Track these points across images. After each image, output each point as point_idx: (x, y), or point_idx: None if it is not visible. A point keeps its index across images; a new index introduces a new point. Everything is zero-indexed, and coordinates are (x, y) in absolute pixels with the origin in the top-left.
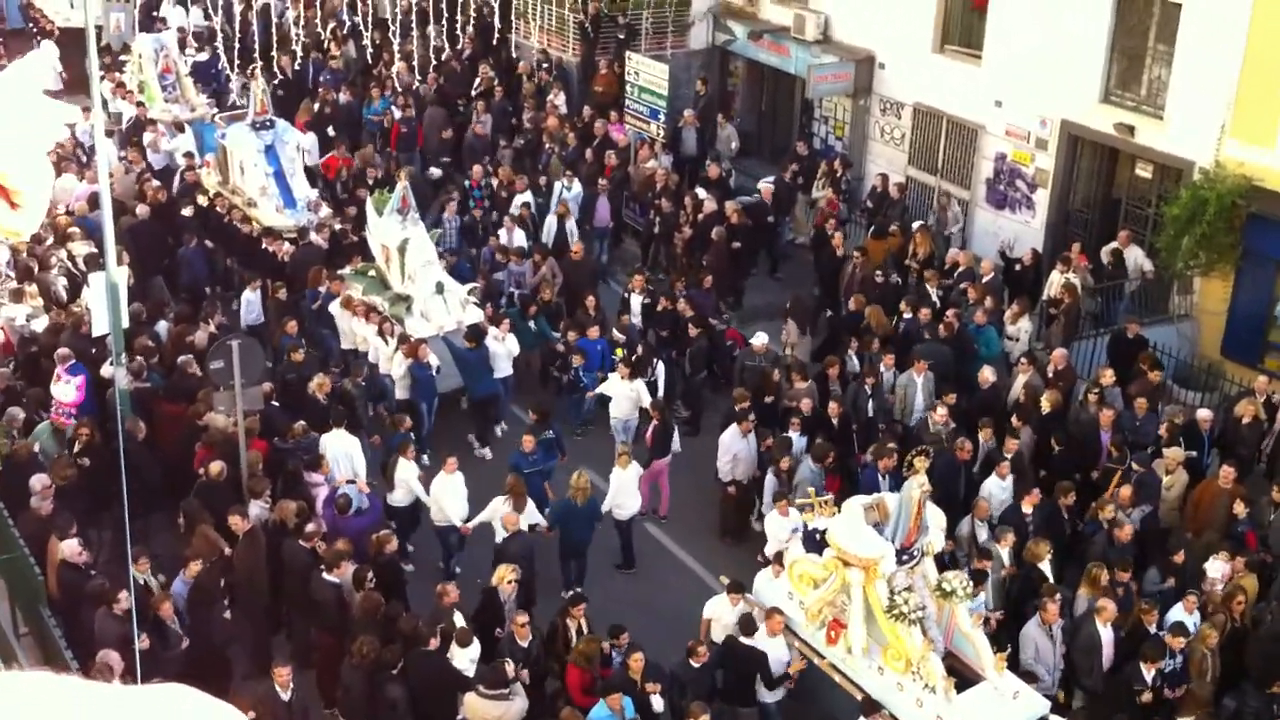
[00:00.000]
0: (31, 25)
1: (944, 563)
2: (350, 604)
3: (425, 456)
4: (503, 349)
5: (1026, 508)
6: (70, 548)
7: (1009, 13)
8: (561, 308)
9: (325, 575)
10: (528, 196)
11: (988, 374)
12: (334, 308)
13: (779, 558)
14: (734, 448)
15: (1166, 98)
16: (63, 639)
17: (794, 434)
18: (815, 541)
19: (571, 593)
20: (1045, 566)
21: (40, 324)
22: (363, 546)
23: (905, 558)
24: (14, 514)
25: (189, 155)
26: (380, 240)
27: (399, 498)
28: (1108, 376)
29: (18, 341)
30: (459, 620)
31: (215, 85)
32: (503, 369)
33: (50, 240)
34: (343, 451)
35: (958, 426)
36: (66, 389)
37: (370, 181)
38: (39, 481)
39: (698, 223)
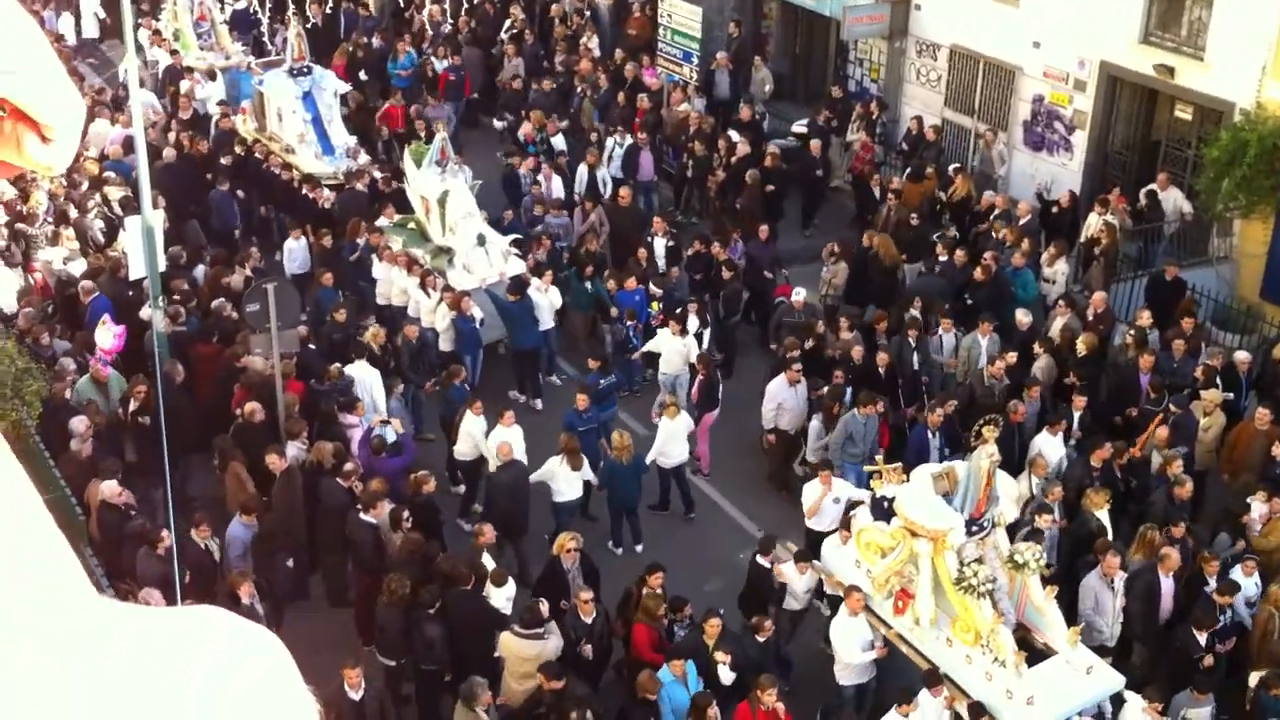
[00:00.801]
0: None
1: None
2: (387, 544)
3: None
4: (545, 300)
5: (1095, 462)
6: (110, 488)
7: None
8: (607, 258)
9: (362, 515)
10: (560, 141)
11: (1023, 317)
12: (378, 267)
13: (846, 524)
14: (780, 396)
15: (1207, 38)
16: (104, 579)
17: (833, 384)
18: (883, 509)
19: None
20: (1104, 517)
21: (77, 267)
22: (398, 486)
23: (975, 529)
24: (54, 456)
25: (222, 104)
26: (420, 192)
27: (464, 451)
28: (1144, 318)
29: (55, 284)
30: (489, 561)
31: (254, 33)
32: (546, 321)
33: (85, 185)
34: (364, 384)
35: (1010, 384)
36: (105, 335)
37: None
38: (80, 423)
39: (731, 166)
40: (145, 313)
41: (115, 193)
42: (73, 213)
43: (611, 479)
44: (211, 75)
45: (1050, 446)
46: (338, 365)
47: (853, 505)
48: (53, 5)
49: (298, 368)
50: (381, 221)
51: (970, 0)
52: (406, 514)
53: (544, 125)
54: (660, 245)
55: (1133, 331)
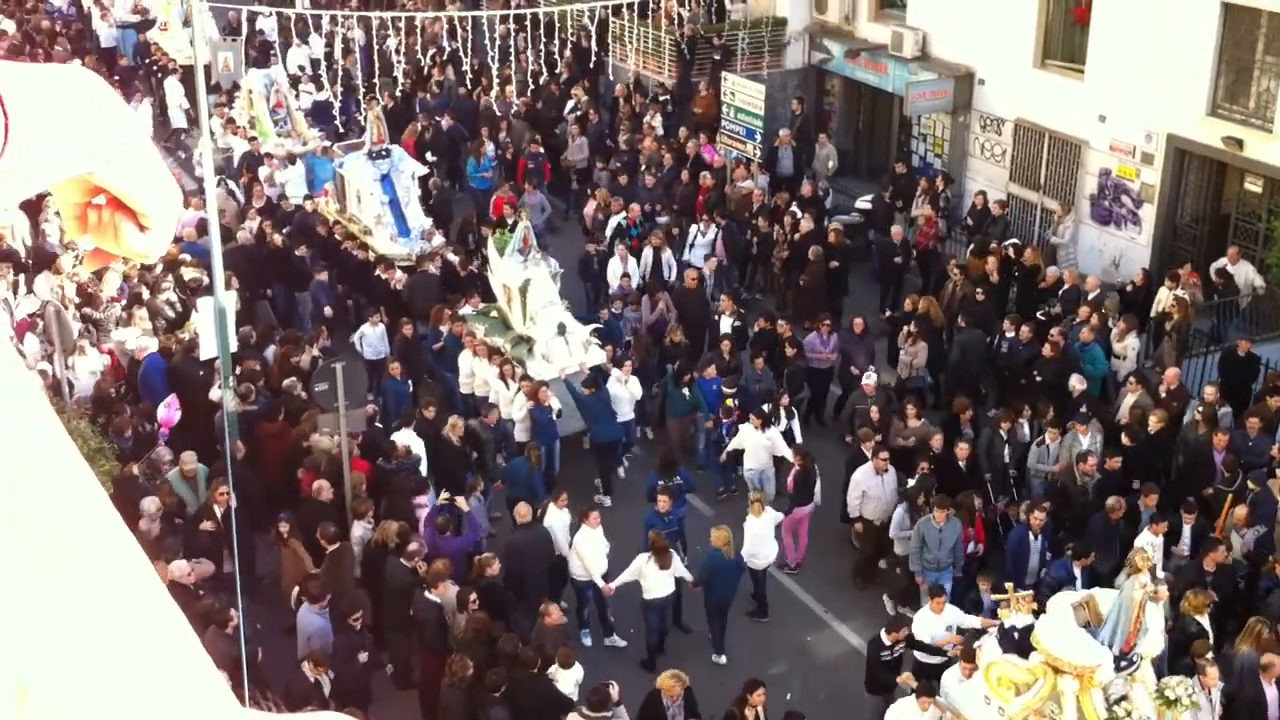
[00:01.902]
0: (151, 63)
1: None
2: (452, 625)
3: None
4: (625, 392)
5: (1209, 566)
6: (179, 568)
7: (1112, 26)
8: (690, 349)
9: (428, 594)
10: (624, 220)
11: (1076, 384)
12: (462, 356)
13: (969, 655)
14: (864, 484)
15: (1276, 110)
16: None
17: (919, 476)
18: (1012, 640)
19: (748, 679)
20: (1205, 620)
21: (150, 347)
22: (461, 566)
23: (1124, 664)
24: None
25: (283, 199)
26: (502, 280)
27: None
28: (1210, 393)
29: (128, 364)
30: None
31: (342, 118)
32: (625, 412)
33: (160, 266)
34: (403, 444)
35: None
36: (164, 410)
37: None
38: (151, 504)
39: (794, 242)
40: (215, 393)
41: (189, 274)
42: (146, 294)
43: (712, 574)
44: (290, 160)
45: (1152, 548)
46: (405, 444)
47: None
48: (136, 96)
49: (364, 447)
50: (465, 310)
51: (1035, 74)
52: (473, 595)
53: (608, 205)
54: (726, 324)
55: (1201, 408)
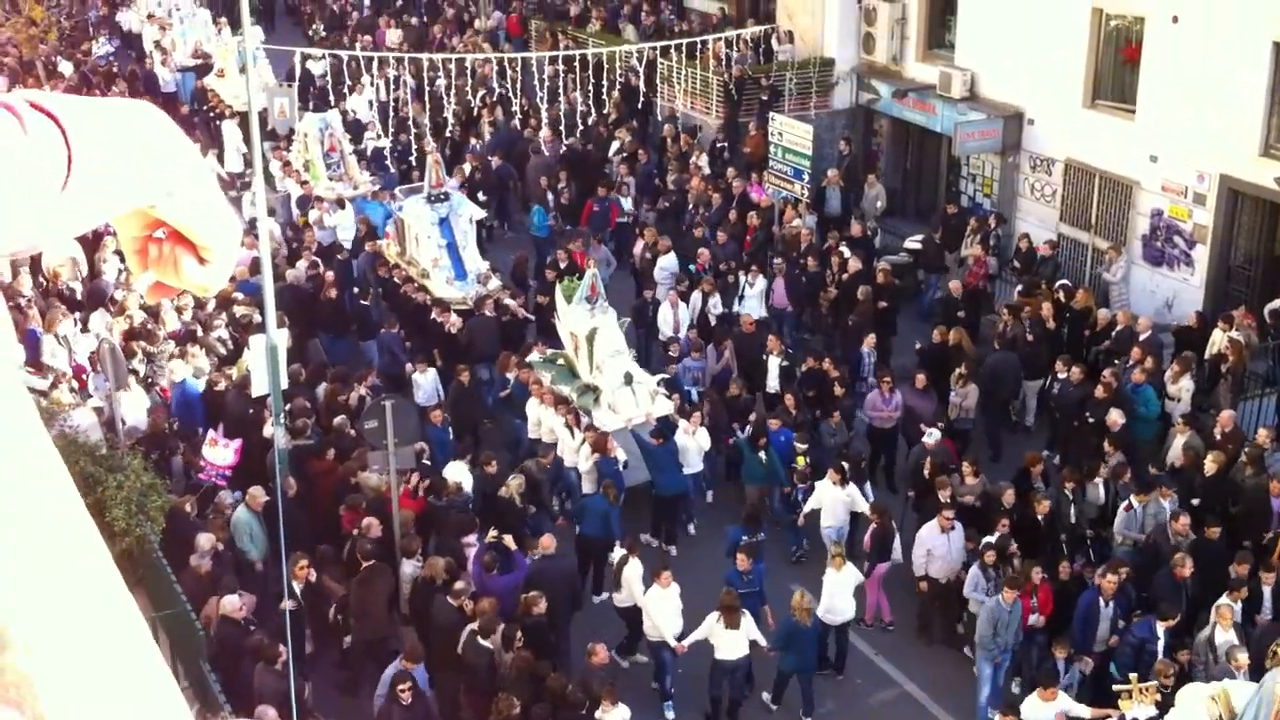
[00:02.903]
0: (208, 109)
1: (1185, 673)
2: (499, 664)
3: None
4: (693, 444)
5: None
6: (230, 603)
7: (1162, 66)
8: (753, 403)
9: (480, 641)
10: (672, 260)
11: (1115, 416)
12: (530, 404)
13: None
14: (929, 542)
15: None
16: (221, 694)
17: (999, 534)
18: None
19: None
20: None
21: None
22: (508, 605)
23: None
24: (176, 571)
25: (335, 244)
26: (569, 328)
27: (625, 598)
28: (1263, 437)
29: (176, 400)
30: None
31: (403, 166)
32: (693, 464)
33: (212, 304)
34: (454, 479)
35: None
36: (223, 453)
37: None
38: (206, 540)
39: (842, 282)
40: (269, 430)
41: (240, 311)
42: (200, 331)
43: (790, 641)
44: (340, 204)
45: (1232, 611)
46: (457, 481)
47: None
48: (199, 145)
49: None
50: (533, 357)
51: (1085, 114)
52: (519, 633)
53: (656, 244)
54: (775, 364)
55: (1248, 450)
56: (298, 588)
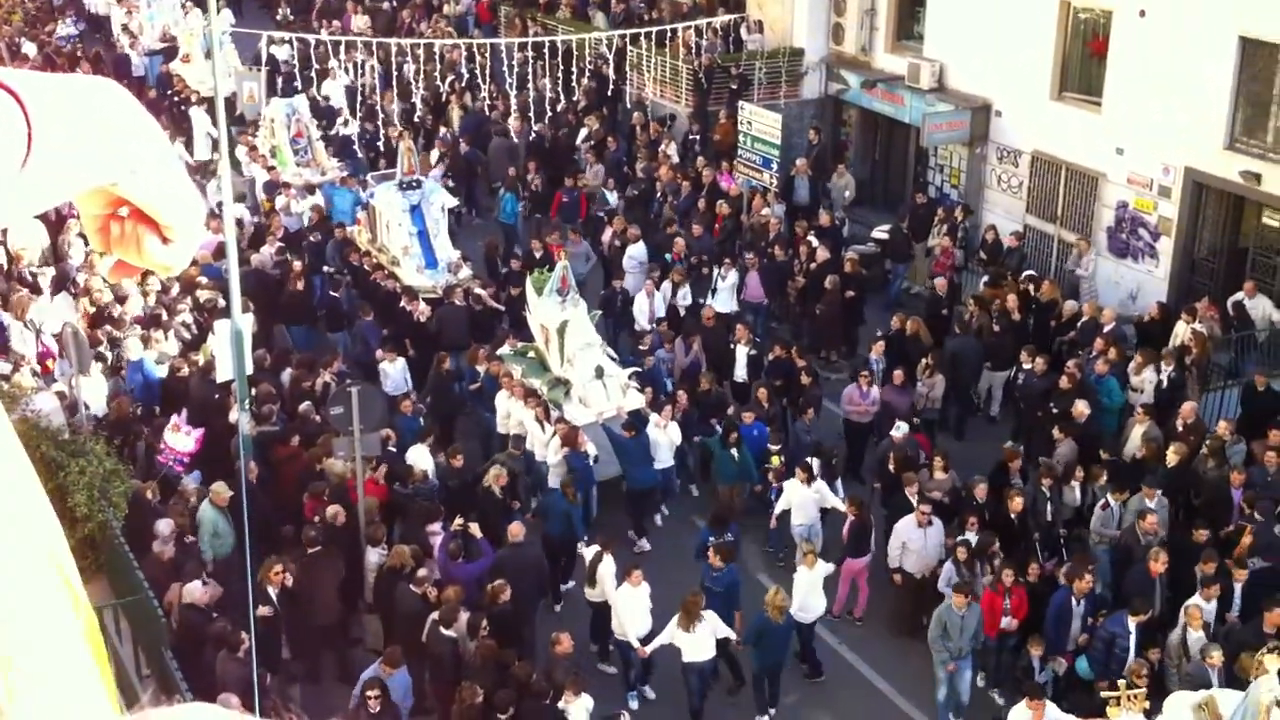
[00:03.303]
0: (174, 94)
1: (1153, 670)
2: (464, 652)
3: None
4: (664, 437)
5: (1269, 628)
6: (193, 590)
7: (1130, 59)
8: (725, 397)
9: (443, 630)
10: (641, 249)
11: (1081, 407)
12: (499, 397)
13: None
14: (905, 535)
15: None
16: (183, 681)
17: (971, 533)
18: None
19: None
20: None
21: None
22: (474, 593)
23: None
24: (138, 557)
25: (299, 232)
26: (539, 321)
27: (597, 594)
28: (1223, 428)
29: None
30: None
31: (373, 153)
32: (664, 459)
33: (176, 289)
34: (419, 465)
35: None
36: (185, 440)
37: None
38: (165, 525)
39: (810, 272)
40: (233, 416)
41: (205, 295)
42: (164, 315)
43: (760, 638)
44: (309, 190)
45: (1207, 606)
46: (422, 469)
47: None
48: (168, 133)
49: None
50: (503, 350)
51: (1052, 106)
52: (484, 623)
53: (625, 231)
54: (743, 354)
55: (1209, 442)
56: (273, 592)
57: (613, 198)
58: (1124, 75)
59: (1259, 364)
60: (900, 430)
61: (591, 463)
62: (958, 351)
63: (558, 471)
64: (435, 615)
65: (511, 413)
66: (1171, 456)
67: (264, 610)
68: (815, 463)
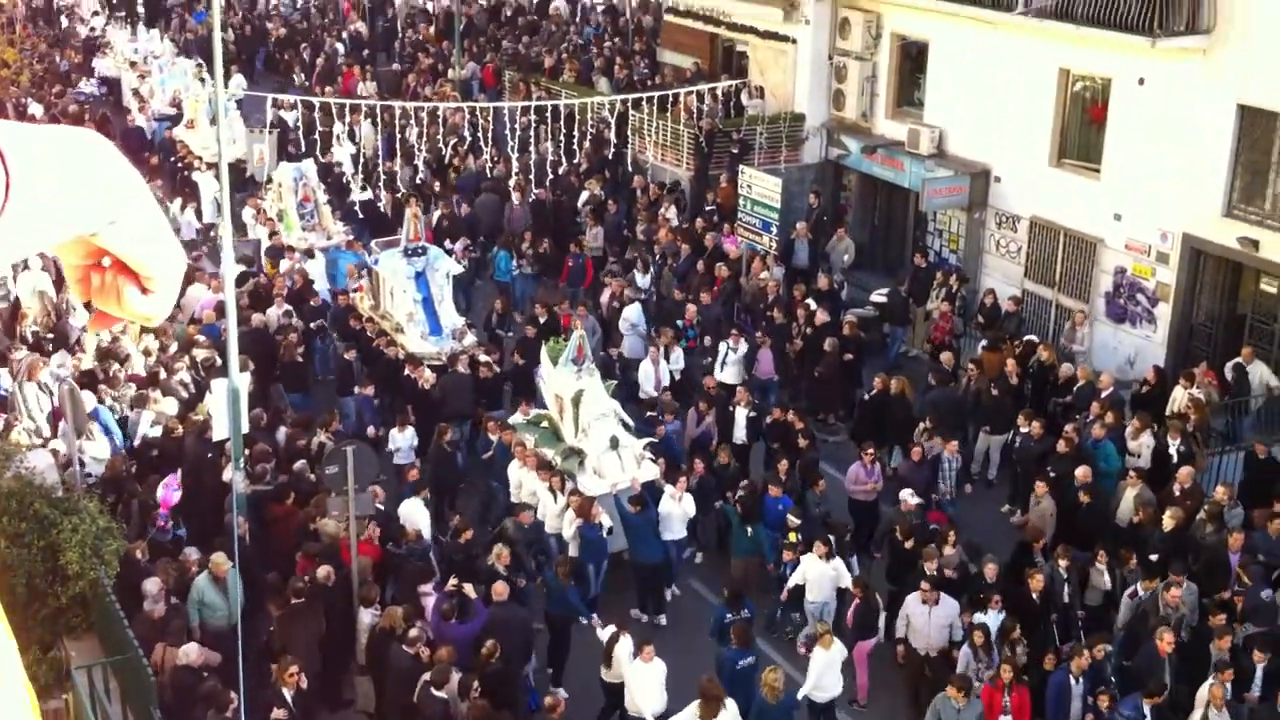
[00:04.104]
0: (176, 160)
1: None
2: (455, 714)
3: (589, 620)
4: (678, 509)
5: None
6: (191, 652)
7: (1128, 126)
8: (743, 470)
9: (434, 691)
10: (636, 311)
11: (1082, 475)
12: (511, 467)
13: None
14: (909, 610)
15: None
16: None
17: (993, 612)
18: None
19: None
20: None
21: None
22: (467, 655)
23: None
24: (129, 615)
25: (301, 293)
26: (554, 390)
27: (613, 675)
28: (1221, 493)
29: (141, 446)
30: None
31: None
32: (676, 530)
33: (175, 347)
34: (412, 520)
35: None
36: (166, 491)
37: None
38: (153, 584)
39: (809, 334)
40: (227, 474)
41: (202, 354)
42: (163, 374)
43: (759, 718)
44: (309, 254)
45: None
46: (416, 528)
47: None
48: (179, 199)
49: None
50: (515, 418)
51: (1050, 172)
52: (476, 684)
53: (623, 294)
54: (742, 415)
55: (1207, 507)
56: (288, 694)
57: (645, 280)
58: (1122, 142)
59: (1255, 430)
60: (912, 498)
61: (606, 534)
62: (937, 402)
63: (573, 545)
64: (427, 676)
65: (524, 483)
66: (1168, 521)
67: (279, 714)
68: (833, 538)
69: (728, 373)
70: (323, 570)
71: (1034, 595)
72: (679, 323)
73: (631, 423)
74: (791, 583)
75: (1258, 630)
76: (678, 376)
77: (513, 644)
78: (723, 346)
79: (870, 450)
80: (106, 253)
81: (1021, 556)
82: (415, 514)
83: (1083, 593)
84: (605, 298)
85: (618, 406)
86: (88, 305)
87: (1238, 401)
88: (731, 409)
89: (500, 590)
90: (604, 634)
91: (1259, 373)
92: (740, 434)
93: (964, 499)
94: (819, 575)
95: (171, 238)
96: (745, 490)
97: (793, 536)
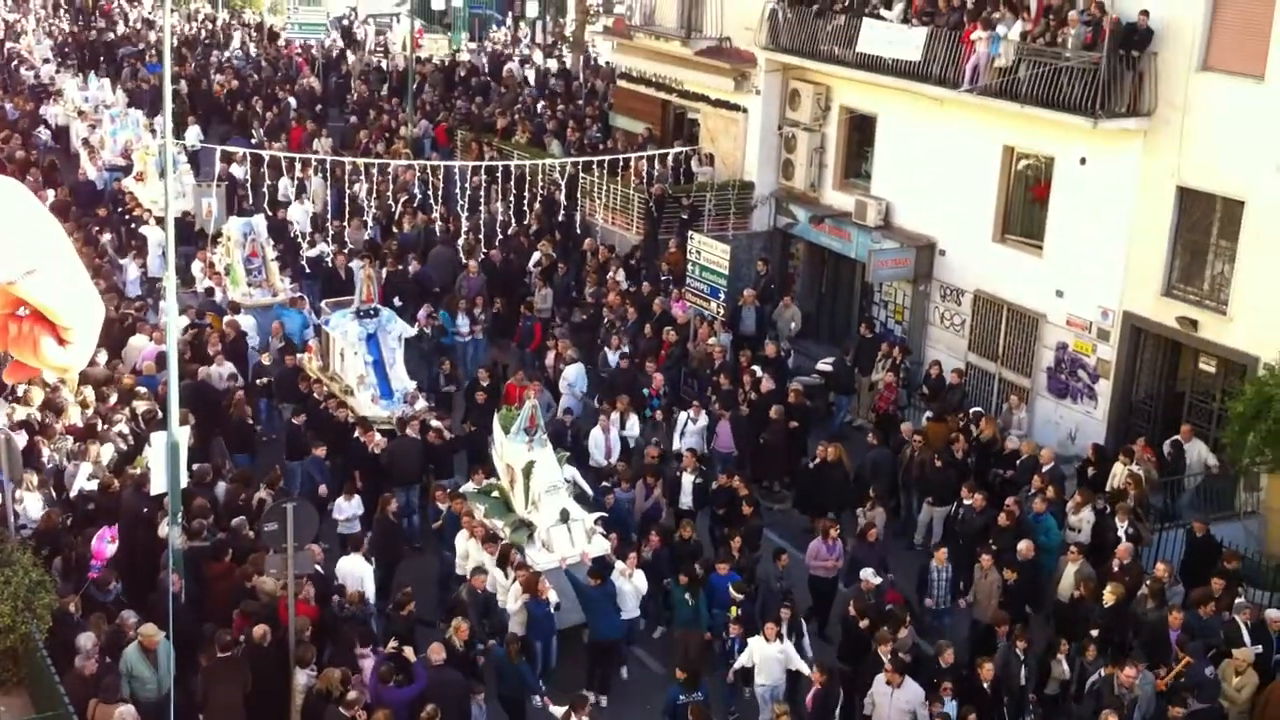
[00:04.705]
0: (124, 212)
1: None
2: None
3: (541, 699)
4: (630, 586)
5: None
6: (125, 715)
7: (1070, 204)
8: (700, 547)
9: None
10: (577, 371)
11: (1025, 549)
12: (459, 538)
13: None
14: (874, 691)
15: (1229, 293)
16: None
17: (947, 699)
18: None
19: None
20: None
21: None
22: (404, 718)
23: None
24: (60, 672)
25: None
26: (505, 460)
27: None
28: (1161, 570)
29: (78, 500)
30: None
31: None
32: (629, 608)
33: (114, 398)
34: (354, 577)
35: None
36: (99, 543)
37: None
38: (87, 640)
39: (754, 401)
40: (163, 530)
41: (142, 406)
42: (101, 426)
43: None
44: (234, 309)
45: None
46: (359, 591)
47: None
48: (131, 254)
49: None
50: (467, 487)
51: (994, 248)
52: None
53: (569, 355)
54: (689, 481)
55: (1149, 584)
56: None
57: (614, 357)
58: (1064, 220)
59: (1193, 508)
60: (874, 577)
61: (553, 610)
62: (875, 460)
63: (519, 620)
64: None
65: (470, 553)
66: (1109, 596)
67: None
68: (785, 618)
69: (687, 442)
70: (259, 629)
71: (984, 685)
72: (645, 391)
73: (590, 490)
74: (739, 664)
75: (1200, 707)
76: (631, 444)
77: (451, 708)
78: (682, 416)
79: (834, 528)
80: (23, 302)
81: (984, 639)
82: (356, 570)
83: (1043, 682)
84: (550, 359)
85: (578, 474)
86: (3, 355)
87: (1175, 479)
88: (678, 474)
89: (436, 651)
90: (557, 712)
91: (1197, 450)
92: (686, 499)
93: (905, 570)
94: (766, 657)
95: (91, 289)
96: (690, 564)
97: (733, 612)
